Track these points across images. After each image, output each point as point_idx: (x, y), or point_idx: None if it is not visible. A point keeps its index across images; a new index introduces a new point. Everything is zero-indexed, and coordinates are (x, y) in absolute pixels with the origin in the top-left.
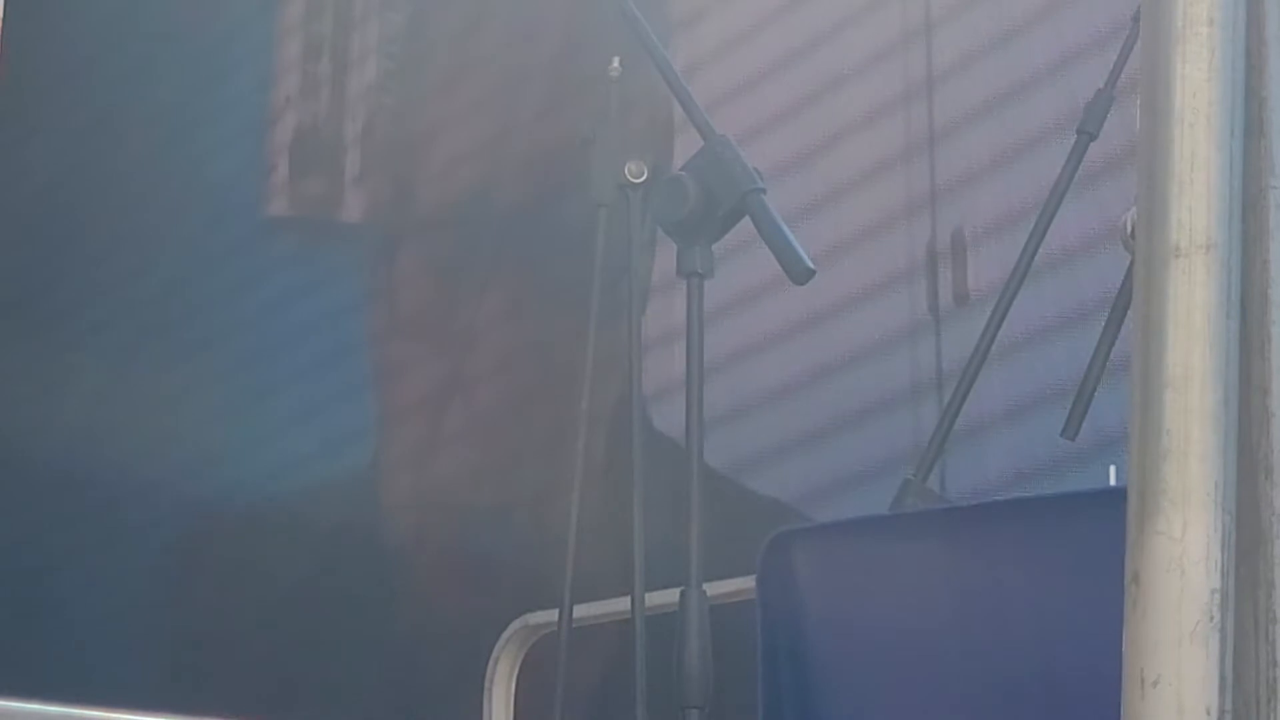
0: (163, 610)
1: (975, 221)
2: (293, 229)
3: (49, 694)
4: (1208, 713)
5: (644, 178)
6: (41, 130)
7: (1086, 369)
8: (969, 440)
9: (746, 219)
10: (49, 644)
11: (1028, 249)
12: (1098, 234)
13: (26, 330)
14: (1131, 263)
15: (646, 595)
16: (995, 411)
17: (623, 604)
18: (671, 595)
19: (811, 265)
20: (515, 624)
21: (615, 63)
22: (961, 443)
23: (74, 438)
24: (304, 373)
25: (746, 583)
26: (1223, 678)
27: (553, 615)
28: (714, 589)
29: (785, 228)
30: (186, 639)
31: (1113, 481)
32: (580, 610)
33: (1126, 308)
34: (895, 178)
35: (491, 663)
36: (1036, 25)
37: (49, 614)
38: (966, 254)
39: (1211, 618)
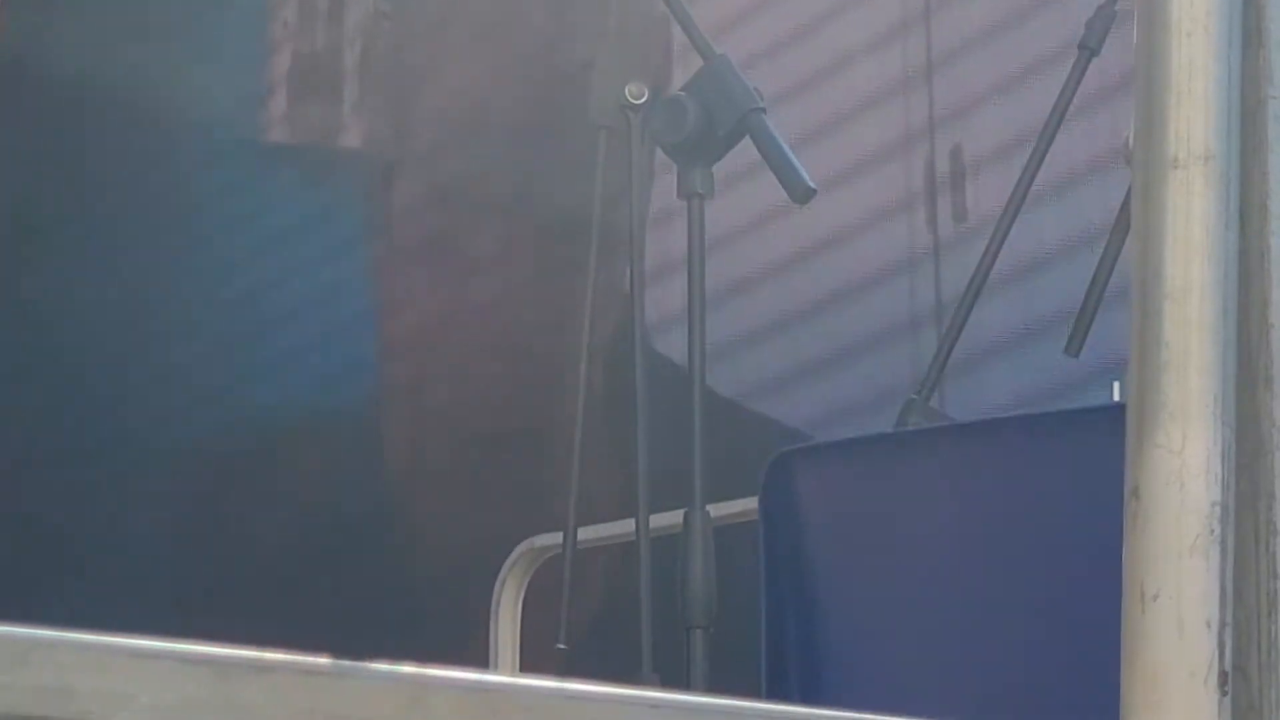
0: (166, 538)
1: (975, 141)
2: (292, 156)
3: (54, 622)
4: (1208, 626)
5: (644, 99)
6: (38, 62)
7: (1089, 286)
8: (971, 364)
9: (747, 139)
10: (54, 572)
11: (1029, 167)
12: (1102, 153)
13: (30, 261)
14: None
15: (651, 517)
16: (998, 333)
17: (627, 526)
18: (675, 517)
19: (812, 184)
20: (521, 546)
21: None
22: (964, 366)
23: (76, 369)
24: (304, 301)
25: (750, 503)
26: (1223, 591)
27: (558, 538)
28: (717, 510)
29: (786, 147)
30: (191, 567)
31: (1116, 397)
32: (585, 533)
33: (1128, 225)
34: (894, 99)
35: (498, 585)
36: None
37: (53, 545)
38: (965, 175)
39: (1212, 531)
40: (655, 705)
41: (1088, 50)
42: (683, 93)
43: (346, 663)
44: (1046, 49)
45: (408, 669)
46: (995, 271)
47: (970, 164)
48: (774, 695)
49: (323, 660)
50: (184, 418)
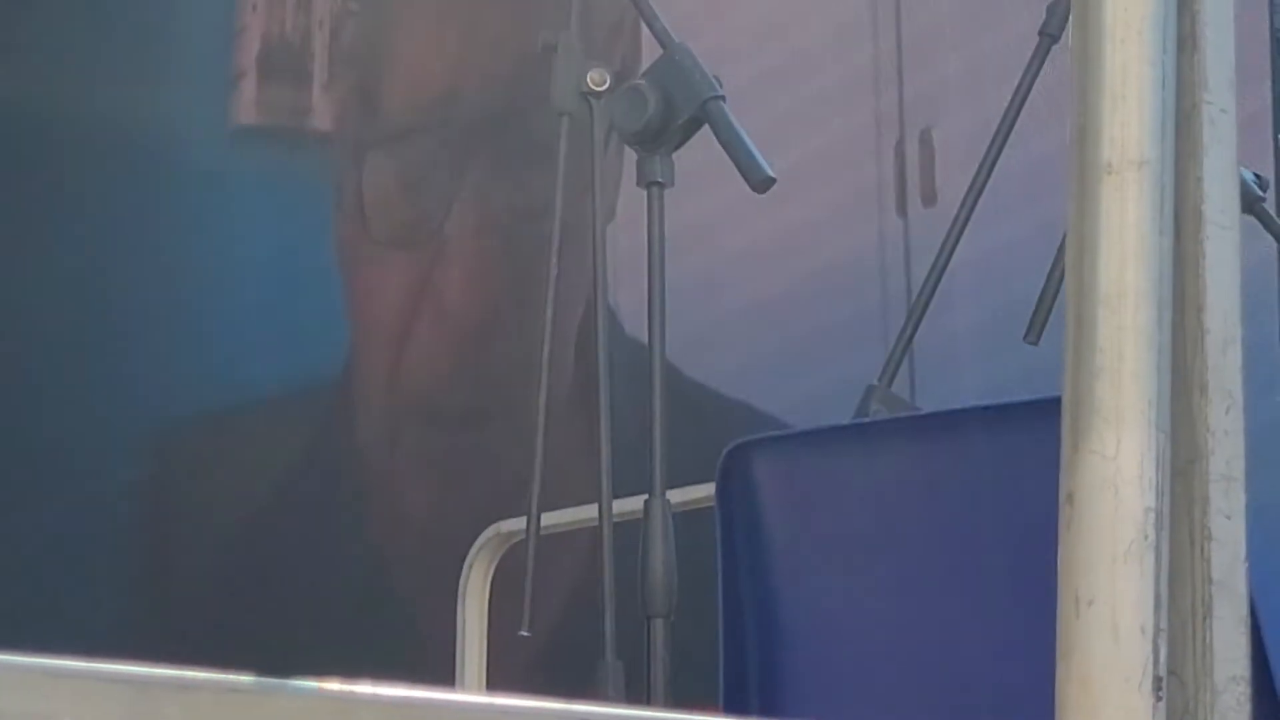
0: (128, 519)
1: (945, 131)
2: (260, 134)
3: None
4: (1142, 631)
5: (606, 86)
6: (3, 44)
7: (1048, 274)
8: (940, 355)
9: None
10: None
11: (991, 150)
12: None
13: None
14: None
15: (614, 503)
16: (965, 323)
17: (591, 511)
18: (638, 502)
19: (771, 173)
20: (487, 531)
21: None
22: (932, 357)
23: (34, 345)
24: (273, 282)
25: (710, 489)
26: (1157, 596)
27: (524, 522)
28: (679, 496)
29: (745, 135)
30: (154, 546)
31: None
32: (549, 518)
33: None
34: (864, 90)
35: (465, 569)
36: None
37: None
38: (935, 164)
39: (1146, 536)
40: (585, 718)
41: (1049, 36)
42: (642, 81)
43: (270, 680)
44: (1016, 38)
45: (332, 685)
46: (965, 258)
47: (940, 153)
48: (731, 685)
49: (245, 679)
50: (145, 395)
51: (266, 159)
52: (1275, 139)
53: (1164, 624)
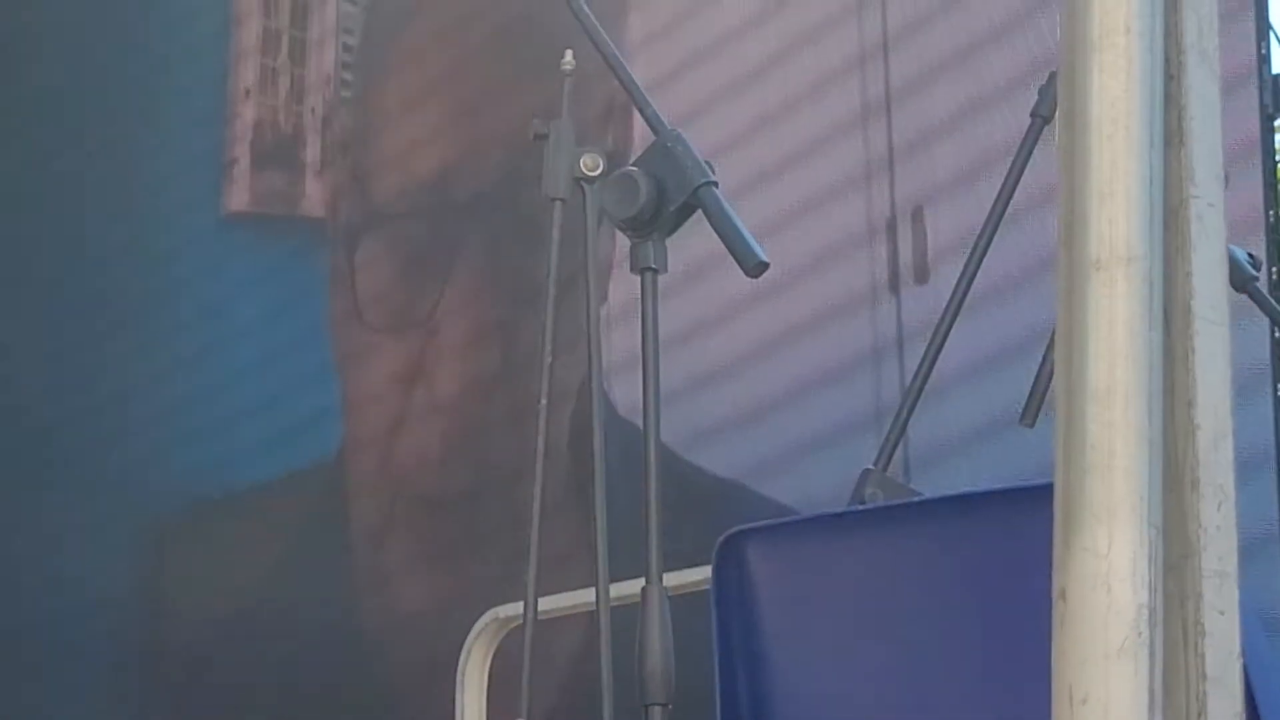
0: (124, 604)
1: (933, 175)
2: (253, 221)
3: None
4: None
5: (599, 171)
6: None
7: (1043, 356)
8: (935, 435)
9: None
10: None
11: (985, 230)
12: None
13: None
14: None
15: (611, 586)
16: (957, 389)
17: (588, 595)
18: (635, 586)
19: (764, 258)
20: (485, 617)
21: (568, 56)
22: (927, 438)
23: (31, 429)
24: (267, 365)
25: (707, 572)
26: (1152, 693)
27: (521, 607)
28: (676, 579)
29: (738, 221)
30: (150, 634)
31: None
32: (546, 603)
33: None
34: (853, 149)
35: (464, 655)
36: None
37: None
38: (926, 233)
39: (1140, 633)
40: None
41: (1040, 118)
42: (634, 168)
43: None
44: (1000, 87)
45: None
46: (960, 338)
47: (932, 231)
48: None
49: None
50: (141, 479)
51: (260, 245)
52: (1267, 216)
53: None
